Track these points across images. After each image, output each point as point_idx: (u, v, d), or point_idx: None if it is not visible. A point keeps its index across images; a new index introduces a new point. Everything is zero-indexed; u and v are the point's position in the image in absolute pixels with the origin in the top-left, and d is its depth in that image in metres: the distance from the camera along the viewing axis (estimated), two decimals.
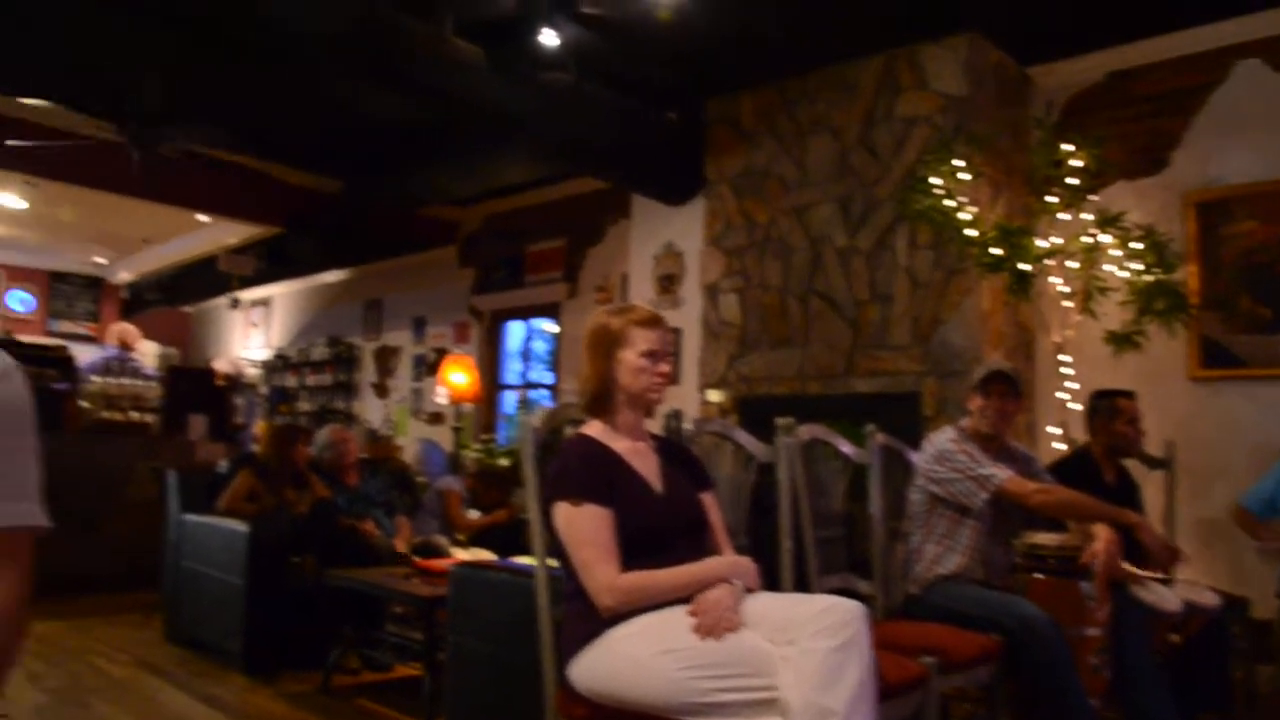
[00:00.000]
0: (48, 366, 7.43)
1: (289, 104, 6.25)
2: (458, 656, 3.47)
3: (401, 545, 5.10)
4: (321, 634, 4.71)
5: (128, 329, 8.41)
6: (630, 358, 2.35)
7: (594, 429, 2.41)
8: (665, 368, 2.38)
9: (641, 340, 2.35)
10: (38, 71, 5.44)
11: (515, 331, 9.13)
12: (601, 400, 2.40)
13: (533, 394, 8.88)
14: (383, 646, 4.68)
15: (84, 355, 8.67)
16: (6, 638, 1.22)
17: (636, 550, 2.22)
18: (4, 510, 1.26)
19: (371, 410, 10.50)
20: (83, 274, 12.92)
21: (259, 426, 10.84)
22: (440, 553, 4.89)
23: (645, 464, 2.39)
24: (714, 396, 6.17)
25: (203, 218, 9.54)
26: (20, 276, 12.77)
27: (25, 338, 10.18)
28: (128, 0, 4.37)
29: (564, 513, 2.23)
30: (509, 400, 9.06)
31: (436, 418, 9.43)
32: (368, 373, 10.67)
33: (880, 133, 5.64)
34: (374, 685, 4.64)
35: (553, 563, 2.33)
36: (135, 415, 7.75)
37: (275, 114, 6.62)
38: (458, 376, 7.42)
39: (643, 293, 6.88)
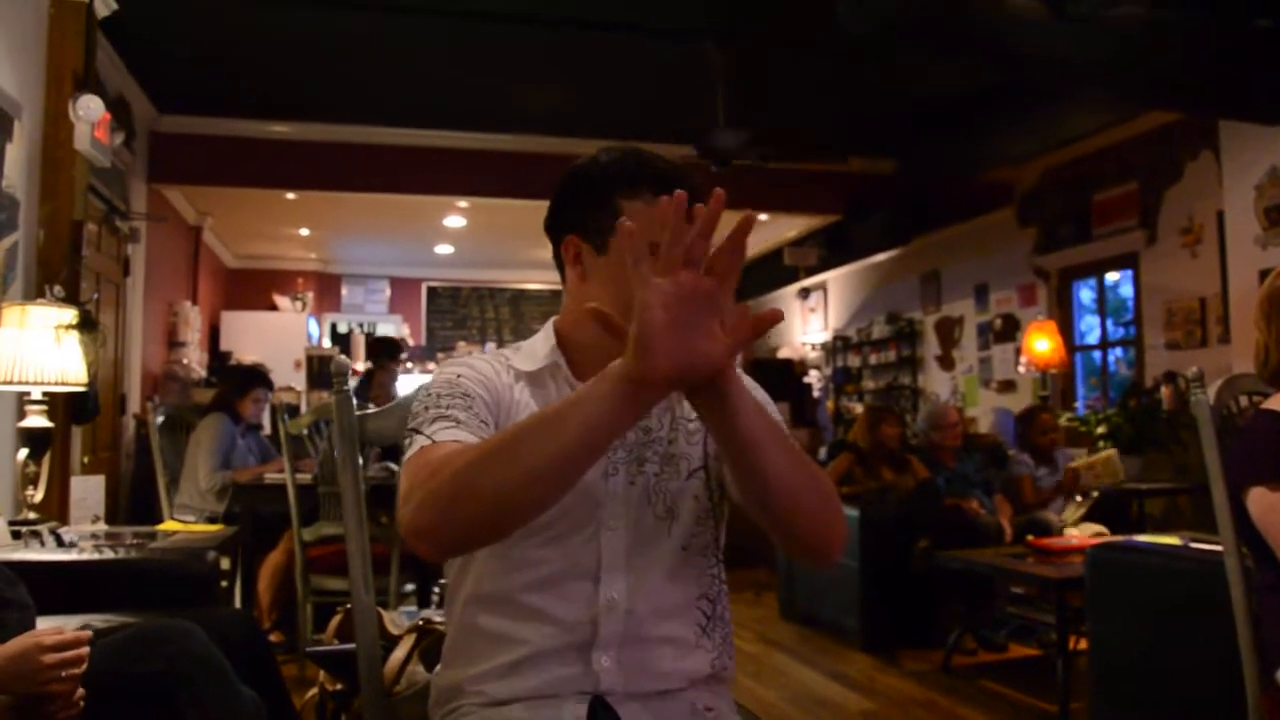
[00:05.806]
0: None
1: (851, 97, 6.38)
2: (1099, 643, 3.31)
3: (1005, 523, 4.98)
4: (935, 613, 4.77)
5: None
6: None
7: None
8: None
9: None
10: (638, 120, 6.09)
11: (1085, 289, 8.58)
12: None
13: (1113, 354, 8.29)
14: (1001, 627, 4.61)
15: None
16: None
17: None
18: None
19: (937, 383, 10.42)
20: None
21: (828, 407, 11.23)
22: (1051, 530, 4.72)
23: None
24: None
25: (763, 216, 10.03)
26: None
27: None
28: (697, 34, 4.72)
29: (1263, 498, 2.00)
30: (1086, 363, 8.55)
31: (1007, 385, 9.13)
32: (930, 345, 10.60)
33: None
34: (993, 665, 4.60)
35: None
36: None
37: (836, 110, 6.79)
38: (1042, 344, 7.13)
39: (1244, 229, 6.12)
